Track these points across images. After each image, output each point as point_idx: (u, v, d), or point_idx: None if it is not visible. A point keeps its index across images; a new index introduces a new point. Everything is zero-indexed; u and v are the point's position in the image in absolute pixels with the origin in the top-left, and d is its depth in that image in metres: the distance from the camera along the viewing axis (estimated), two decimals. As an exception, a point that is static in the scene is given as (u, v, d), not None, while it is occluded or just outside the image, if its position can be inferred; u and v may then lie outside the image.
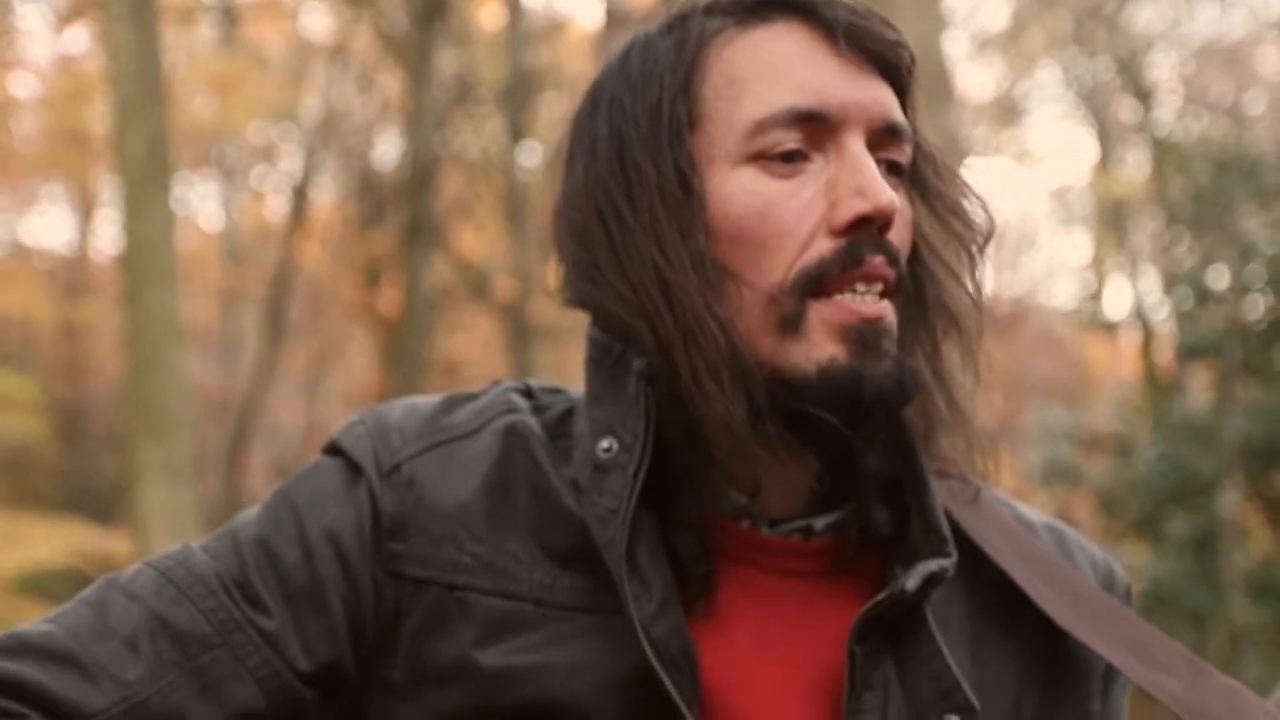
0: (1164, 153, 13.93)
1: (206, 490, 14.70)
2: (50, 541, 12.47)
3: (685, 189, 1.30)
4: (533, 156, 18.61)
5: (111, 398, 17.89)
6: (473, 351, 20.86)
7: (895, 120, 1.33)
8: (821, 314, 1.28)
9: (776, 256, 1.29)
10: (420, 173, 16.78)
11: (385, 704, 1.33)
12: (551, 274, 1.40)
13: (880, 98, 1.32)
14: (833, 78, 1.31)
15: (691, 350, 1.27)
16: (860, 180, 1.29)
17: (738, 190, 1.29)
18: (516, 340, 17.60)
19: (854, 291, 1.29)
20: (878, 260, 1.29)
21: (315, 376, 21.12)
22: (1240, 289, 11.85)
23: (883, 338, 1.29)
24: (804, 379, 1.28)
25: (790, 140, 1.29)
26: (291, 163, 20.47)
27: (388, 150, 20.07)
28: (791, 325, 1.28)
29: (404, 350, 17.04)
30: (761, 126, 1.29)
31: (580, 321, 1.40)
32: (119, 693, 1.28)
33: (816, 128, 1.30)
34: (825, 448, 1.31)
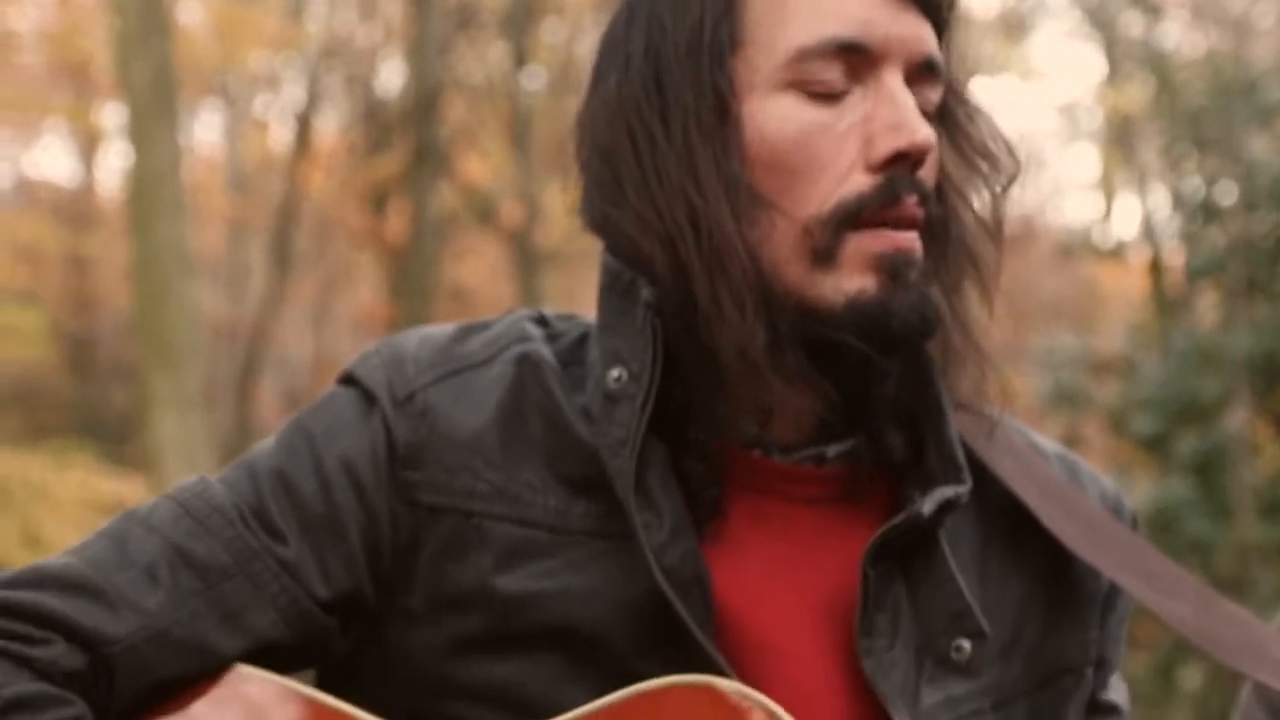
0: (1162, 73, 13.82)
1: (218, 420, 14.74)
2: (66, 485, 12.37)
3: (722, 112, 1.30)
4: (536, 81, 18.52)
5: (120, 330, 17.91)
6: (480, 278, 20.82)
7: (934, 57, 1.33)
8: (858, 245, 1.29)
9: (812, 187, 1.29)
10: (424, 99, 16.70)
11: (404, 630, 1.34)
12: (570, 192, 1.39)
13: (921, 33, 1.33)
14: (876, 10, 1.31)
15: (716, 276, 1.27)
16: (898, 116, 1.29)
17: (776, 116, 1.30)
18: (523, 266, 17.57)
19: (886, 226, 1.30)
20: (912, 200, 1.30)
21: (323, 305, 21.10)
22: (1246, 206, 11.81)
23: (911, 269, 1.30)
24: (830, 309, 1.29)
25: (831, 71, 1.29)
26: (294, 91, 20.38)
27: (391, 77, 19.97)
28: (825, 257, 1.29)
29: (411, 278, 17.02)
30: (804, 54, 1.29)
31: (588, 246, 1.40)
32: (139, 620, 1.30)
33: (857, 59, 1.30)
34: (843, 377, 1.31)
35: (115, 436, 16.58)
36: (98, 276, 19.73)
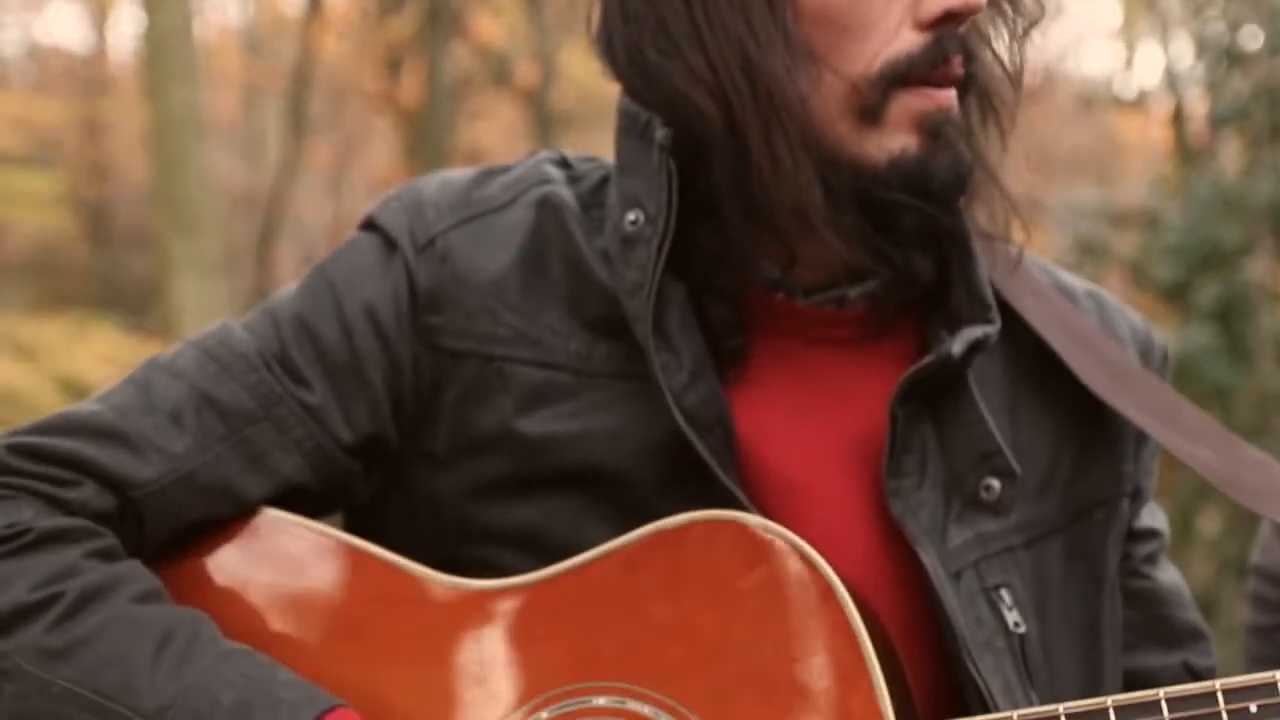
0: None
1: (237, 287, 14.74)
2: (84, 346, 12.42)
3: None
4: (549, -62, 18.25)
5: (136, 198, 17.88)
6: (495, 140, 20.72)
7: None
8: (904, 104, 1.28)
9: (861, 45, 1.28)
10: (436, -42, 16.49)
11: (427, 474, 1.36)
12: (592, 28, 1.37)
13: None
14: None
15: (773, 130, 1.26)
16: None
17: None
18: (539, 127, 17.46)
19: (931, 85, 1.29)
20: (958, 60, 1.30)
21: (339, 170, 21.03)
22: (1270, 51, 11.65)
23: (950, 126, 1.30)
24: (873, 167, 1.29)
25: None
26: (305, -48, 20.12)
27: (402, -64, 19.69)
28: (872, 115, 1.28)
29: (426, 141, 16.93)
30: None
31: (605, 107, 1.38)
32: (166, 464, 1.31)
33: None
34: (883, 226, 1.31)
35: (134, 306, 16.61)
36: (113, 145, 19.67)
